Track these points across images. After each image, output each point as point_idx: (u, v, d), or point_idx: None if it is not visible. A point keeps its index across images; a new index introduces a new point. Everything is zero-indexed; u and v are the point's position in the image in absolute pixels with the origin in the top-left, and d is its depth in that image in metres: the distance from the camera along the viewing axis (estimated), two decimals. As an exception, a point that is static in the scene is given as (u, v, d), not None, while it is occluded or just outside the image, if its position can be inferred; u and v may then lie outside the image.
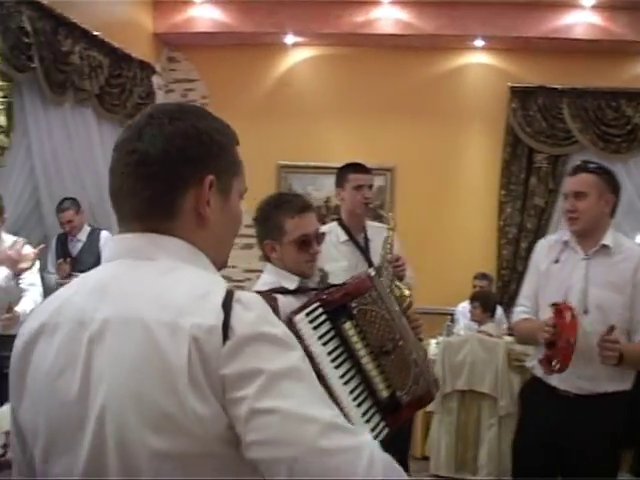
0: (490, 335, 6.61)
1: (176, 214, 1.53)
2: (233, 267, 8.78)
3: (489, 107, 8.71)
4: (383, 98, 8.76)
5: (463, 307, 7.62)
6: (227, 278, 7.93)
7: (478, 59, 8.78)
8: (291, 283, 3.13)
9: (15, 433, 1.59)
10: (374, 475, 1.34)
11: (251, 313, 1.41)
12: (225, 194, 1.59)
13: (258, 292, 3.10)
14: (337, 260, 4.59)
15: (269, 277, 3.20)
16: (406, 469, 4.67)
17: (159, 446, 1.38)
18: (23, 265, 4.71)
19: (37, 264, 5.07)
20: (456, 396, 6.52)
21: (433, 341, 7.12)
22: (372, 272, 3.00)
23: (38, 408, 1.50)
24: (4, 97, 5.65)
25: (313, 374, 1.43)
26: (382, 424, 2.80)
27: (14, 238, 5.09)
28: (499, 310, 7.37)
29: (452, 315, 7.83)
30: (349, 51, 8.83)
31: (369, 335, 2.83)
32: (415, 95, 8.74)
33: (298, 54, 9.06)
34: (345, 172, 4.80)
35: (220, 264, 1.64)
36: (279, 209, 3.15)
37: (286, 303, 2.88)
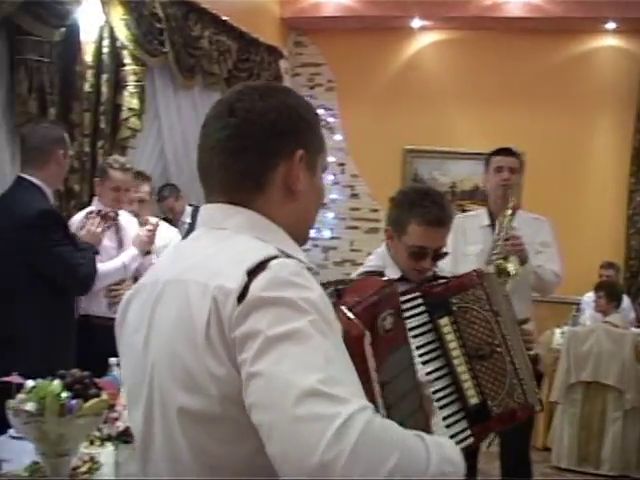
0: (616, 326, 6.43)
1: (265, 187, 1.56)
2: (357, 250, 8.83)
3: (620, 92, 8.44)
4: (510, 83, 8.60)
5: (589, 297, 7.43)
6: (350, 261, 7.97)
7: (609, 42, 8.52)
8: (394, 273, 3.00)
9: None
10: (337, 449, 1.20)
11: (267, 276, 1.38)
12: (312, 169, 1.62)
13: (366, 272, 3.13)
14: (474, 243, 4.59)
15: (375, 260, 3.14)
16: (527, 459, 4.60)
17: (183, 401, 1.43)
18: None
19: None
20: (580, 387, 6.39)
21: (558, 331, 6.99)
22: (487, 270, 2.85)
23: (125, 363, 1.66)
24: (137, 81, 5.83)
25: (328, 343, 1.33)
26: (467, 432, 2.60)
27: (154, 220, 5.20)
28: (626, 301, 7.16)
29: (578, 305, 7.65)
30: (476, 35, 8.70)
31: (466, 335, 2.66)
32: (544, 80, 8.54)
33: (424, 38, 9.00)
34: (490, 156, 4.76)
35: (302, 239, 1.66)
36: (411, 211, 2.97)
37: None
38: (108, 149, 5.62)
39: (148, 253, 4.93)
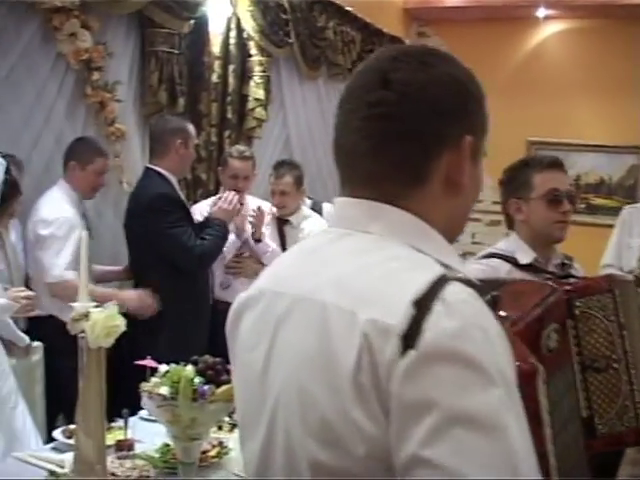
0: None
1: (425, 180, 1.24)
2: (479, 243, 8.71)
3: None
4: (637, 72, 8.33)
5: None
6: (471, 254, 7.87)
7: None
8: (526, 257, 2.89)
9: None
10: None
11: (453, 321, 1.06)
12: (475, 157, 1.30)
13: (484, 256, 3.03)
14: (638, 236, 4.46)
15: (505, 245, 3.01)
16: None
17: (318, 456, 1.14)
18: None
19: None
20: None
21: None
22: (626, 278, 2.67)
23: (239, 382, 1.39)
24: (263, 72, 5.90)
25: (515, 424, 1.04)
26: None
27: (261, 203, 5.20)
28: None
29: None
30: (602, 23, 8.43)
31: (583, 343, 2.38)
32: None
33: (550, 28, 8.79)
34: None
35: (454, 237, 1.35)
36: (527, 165, 2.99)
37: (507, 274, 2.72)
38: (234, 139, 5.72)
39: (259, 241, 4.97)
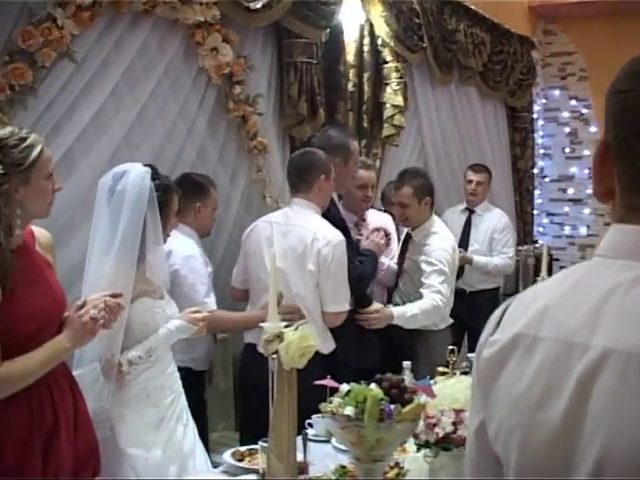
0: None
1: None
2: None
3: None
4: None
5: None
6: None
7: None
8: None
9: (477, 441, 1.30)
10: None
11: None
12: None
13: None
14: None
15: None
16: None
17: None
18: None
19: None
20: None
21: None
22: None
23: (508, 436, 1.20)
24: (400, 78, 5.81)
25: None
26: None
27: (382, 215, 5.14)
28: None
29: None
30: None
31: None
32: None
33: (681, 21, 8.43)
34: None
35: None
36: None
37: None
38: (370, 147, 5.63)
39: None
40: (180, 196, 3.44)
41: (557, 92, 9.03)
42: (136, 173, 3.09)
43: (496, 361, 1.20)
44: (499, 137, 7.70)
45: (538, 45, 8.69)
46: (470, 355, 3.89)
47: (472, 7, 6.86)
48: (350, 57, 5.49)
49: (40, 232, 2.78)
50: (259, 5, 4.38)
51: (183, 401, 3.23)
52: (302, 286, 3.91)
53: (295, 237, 3.95)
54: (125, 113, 4.01)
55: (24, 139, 2.52)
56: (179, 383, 3.25)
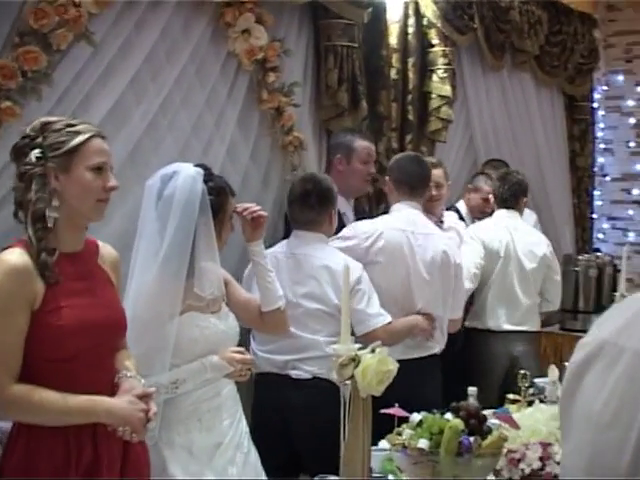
0: None
1: None
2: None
3: None
4: None
5: None
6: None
7: None
8: None
9: None
10: None
11: None
12: None
13: None
14: None
15: None
16: None
17: None
18: None
19: None
20: None
21: None
22: None
23: (583, 460, 1.20)
24: (447, 64, 5.83)
25: None
26: None
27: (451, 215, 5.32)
28: None
29: None
30: None
31: None
32: None
33: None
34: None
35: None
36: None
37: None
38: (416, 143, 5.67)
39: None
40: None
41: (621, 77, 8.98)
42: (186, 175, 3.13)
43: (578, 369, 1.23)
44: (555, 130, 7.65)
45: (600, 23, 8.69)
46: (538, 380, 3.97)
47: (527, -20, 6.86)
48: (393, 40, 5.51)
49: (105, 248, 2.83)
50: (295, -20, 4.41)
51: (243, 427, 3.26)
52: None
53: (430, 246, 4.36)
54: (146, 103, 4.07)
55: (72, 125, 2.60)
56: (239, 406, 3.27)
